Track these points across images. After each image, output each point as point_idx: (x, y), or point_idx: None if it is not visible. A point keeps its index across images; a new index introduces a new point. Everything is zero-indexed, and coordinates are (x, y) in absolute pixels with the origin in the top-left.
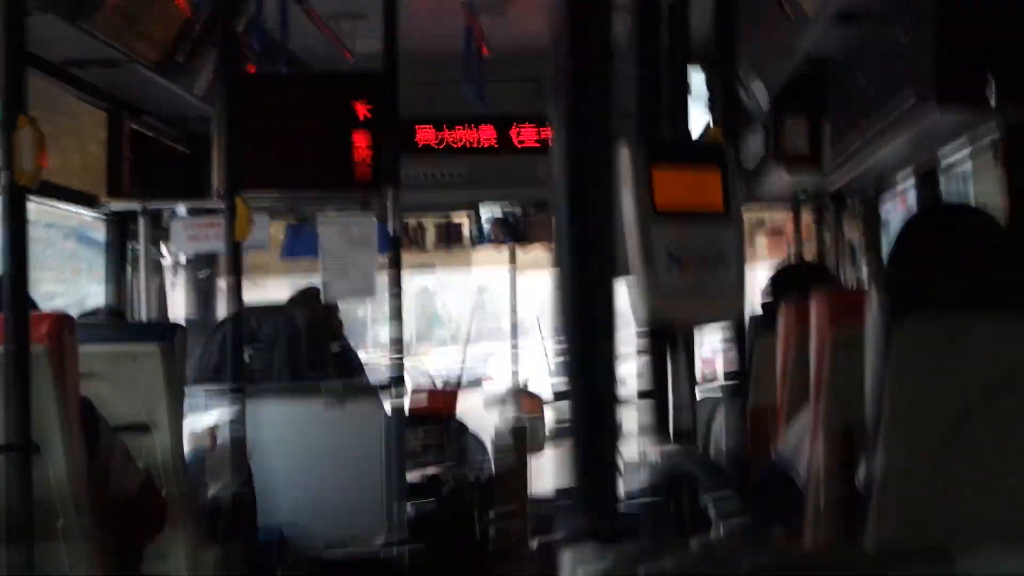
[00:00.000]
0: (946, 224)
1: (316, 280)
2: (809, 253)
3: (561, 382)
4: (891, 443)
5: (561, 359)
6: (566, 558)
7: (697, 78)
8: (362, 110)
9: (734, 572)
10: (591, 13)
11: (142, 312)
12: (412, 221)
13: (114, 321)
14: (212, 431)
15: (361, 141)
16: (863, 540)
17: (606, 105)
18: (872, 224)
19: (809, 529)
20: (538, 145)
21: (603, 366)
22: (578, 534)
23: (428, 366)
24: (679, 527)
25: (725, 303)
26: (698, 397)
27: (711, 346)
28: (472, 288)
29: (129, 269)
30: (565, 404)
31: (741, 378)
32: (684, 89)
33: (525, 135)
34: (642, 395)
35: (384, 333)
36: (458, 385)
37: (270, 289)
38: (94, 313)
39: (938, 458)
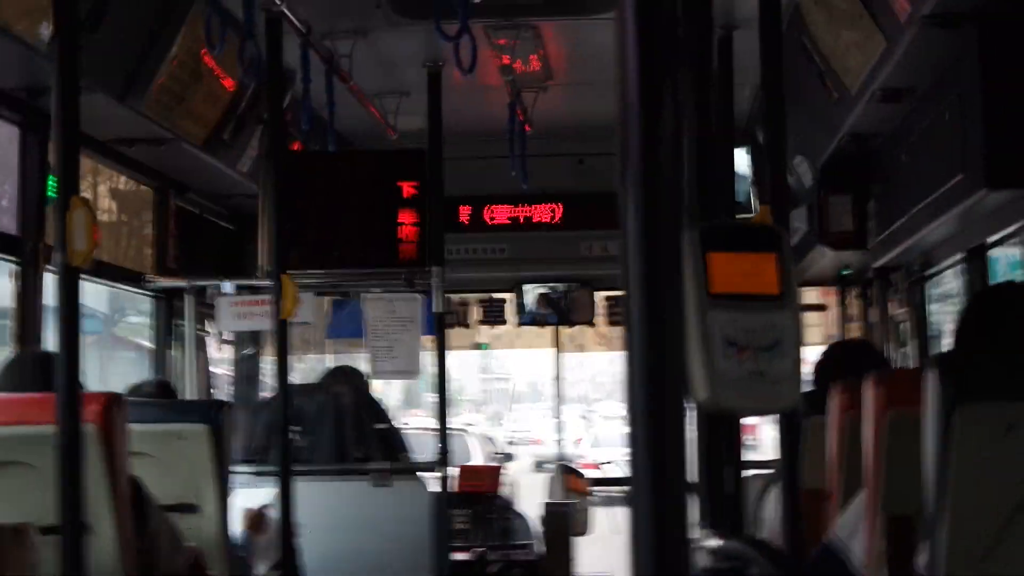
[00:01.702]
0: (1011, 303)
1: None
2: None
3: (629, 468)
4: (952, 531)
5: (631, 446)
6: None
7: (740, 154)
8: (407, 188)
9: None
10: (661, 94)
11: (187, 390)
12: (455, 298)
13: (161, 397)
14: (259, 512)
15: (407, 220)
16: None
17: (678, 188)
18: (918, 303)
19: None
20: (582, 222)
21: (674, 454)
22: None
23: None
24: None
25: (783, 391)
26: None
27: None
28: (471, 347)
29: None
30: (633, 489)
31: (792, 459)
32: (732, 169)
33: (567, 212)
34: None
35: None
36: (505, 460)
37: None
38: (141, 386)
39: (999, 547)
